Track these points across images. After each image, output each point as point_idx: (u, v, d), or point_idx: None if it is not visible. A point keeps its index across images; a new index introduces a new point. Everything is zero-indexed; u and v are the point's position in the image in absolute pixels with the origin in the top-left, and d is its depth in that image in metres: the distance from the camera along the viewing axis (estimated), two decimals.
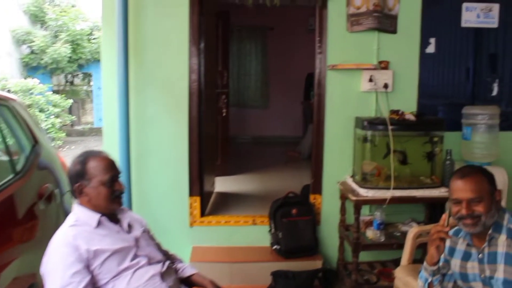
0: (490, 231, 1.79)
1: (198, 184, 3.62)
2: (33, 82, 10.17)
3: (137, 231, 2.04)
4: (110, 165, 1.94)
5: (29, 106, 9.71)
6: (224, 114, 5.21)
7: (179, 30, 3.44)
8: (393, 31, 3.46)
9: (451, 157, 3.27)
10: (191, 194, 3.62)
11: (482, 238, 1.82)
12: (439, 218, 3.48)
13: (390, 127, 3.06)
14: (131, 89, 3.41)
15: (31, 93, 10.04)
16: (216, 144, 5.22)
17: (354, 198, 3.09)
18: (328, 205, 3.64)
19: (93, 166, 1.90)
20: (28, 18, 12.18)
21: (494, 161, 3.40)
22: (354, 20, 3.40)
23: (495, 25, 3.56)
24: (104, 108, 3.52)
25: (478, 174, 1.82)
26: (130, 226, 2.04)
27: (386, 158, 3.14)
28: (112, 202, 1.93)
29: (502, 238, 1.76)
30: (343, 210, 3.50)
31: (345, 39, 3.46)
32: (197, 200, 3.63)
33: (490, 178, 1.83)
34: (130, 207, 3.40)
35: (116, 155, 3.34)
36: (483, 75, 3.66)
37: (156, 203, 3.61)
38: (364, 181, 3.23)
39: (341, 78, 3.49)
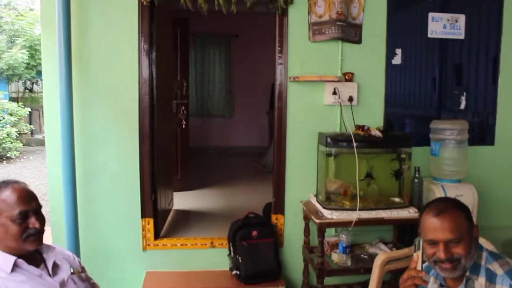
0: (467, 273, 1.58)
1: (151, 205, 3.34)
2: None
3: (64, 273, 1.76)
4: (22, 198, 1.64)
5: None
6: (183, 126, 4.94)
7: (128, 38, 3.16)
8: (358, 41, 3.28)
9: (420, 175, 3.11)
10: (144, 215, 3.34)
11: (457, 279, 1.61)
12: (408, 239, 3.33)
13: (355, 144, 2.87)
14: (76, 102, 3.11)
15: None
16: (175, 157, 4.96)
17: (317, 220, 2.87)
18: (291, 225, 3.41)
19: (1, 199, 1.61)
20: None
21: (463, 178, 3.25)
22: (316, 29, 3.20)
23: (462, 37, 3.43)
24: (47, 123, 3.21)
25: (455, 209, 1.60)
26: (56, 267, 1.76)
27: (356, 177, 2.94)
28: (24, 242, 1.63)
29: (480, 281, 1.56)
30: (306, 232, 3.28)
31: (307, 49, 3.25)
32: (150, 222, 3.35)
33: (467, 213, 1.62)
34: (75, 231, 3.10)
35: (59, 175, 3.05)
36: (450, 87, 3.52)
37: (106, 226, 3.31)
38: (328, 201, 3.02)
39: (303, 90, 3.28)
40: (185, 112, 4.92)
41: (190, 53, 7.79)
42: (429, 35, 3.39)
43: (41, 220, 1.68)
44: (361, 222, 2.89)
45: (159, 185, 3.59)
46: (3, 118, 9.88)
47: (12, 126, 10.02)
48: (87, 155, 3.22)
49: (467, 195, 3.12)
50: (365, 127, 3.02)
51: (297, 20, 3.22)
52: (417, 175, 3.10)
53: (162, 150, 3.64)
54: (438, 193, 3.10)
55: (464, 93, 3.53)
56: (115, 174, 3.27)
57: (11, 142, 9.80)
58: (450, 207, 1.60)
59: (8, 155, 9.83)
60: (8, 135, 9.69)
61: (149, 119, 3.22)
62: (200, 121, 8.20)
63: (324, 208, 2.98)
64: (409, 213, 2.95)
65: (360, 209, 2.90)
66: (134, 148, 3.25)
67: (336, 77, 3.20)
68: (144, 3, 3.07)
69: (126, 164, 3.26)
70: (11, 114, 10.14)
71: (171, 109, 4.21)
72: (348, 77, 3.28)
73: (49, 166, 3.22)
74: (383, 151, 3.04)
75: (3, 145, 9.63)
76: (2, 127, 9.74)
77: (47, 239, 3.71)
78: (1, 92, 10.29)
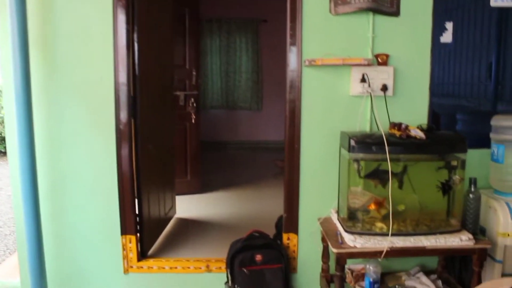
0: None
1: (132, 219, 2.72)
2: None
3: None
4: None
5: None
6: (193, 120, 4.30)
7: (101, 17, 2.54)
8: (394, 12, 2.52)
9: (476, 189, 2.32)
10: (124, 232, 2.73)
11: None
12: (458, 268, 2.59)
13: (387, 149, 2.13)
14: (39, 98, 2.56)
15: None
16: (184, 156, 4.34)
17: (335, 250, 2.16)
18: (307, 247, 2.72)
19: None
20: None
21: None
22: None
23: None
24: (7, 126, 2.64)
25: None
26: None
27: (389, 192, 2.21)
28: None
29: None
30: (325, 257, 2.58)
31: (328, 25, 2.52)
32: (132, 240, 2.74)
33: None
34: (39, 254, 2.53)
35: (18, 186, 2.48)
36: None
37: (80, 246, 2.74)
38: (352, 221, 2.30)
39: (323, 77, 2.56)
40: (195, 104, 4.28)
41: (214, 40, 7.21)
42: (493, 3, 2.58)
43: None
44: (394, 253, 2.17)
45: (149, 192, 2.98)
46: None
47: None
48: (54, 161, 2.64)
49: None
50: (403, 126, 2.26)
51: None
52: (472, 189, 2.32)
53: (151, 150, 3.01)
54: (502, 211, 2.34)
55: None
56: (88, 183, 2.67)
57: None
58: None
59: None
60: None
61: (127, 114, 2.60)
62: (225, 114, 7.57)
63: (346, 231, 2.27)
64: (461, 240, 2.19)
65: (394, 234, 2.18)
66: (111, 150, 2.63)
67: (365, 59, 2.45)
68: None
69: (101, 171, 2.66)
70: None
71: (170, 101, 3.57)
72: (381, 60, 2.53)
73: (12, 178, 2.66)
74: (426, 158, 2.28)
75: None
76: None
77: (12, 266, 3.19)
78: None
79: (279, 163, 5.80)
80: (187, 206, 4.12)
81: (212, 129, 7.50)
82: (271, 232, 2.97)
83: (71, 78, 2.59)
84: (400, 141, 2.21)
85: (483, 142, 2.60)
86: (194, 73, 4.26)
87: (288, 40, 2.54)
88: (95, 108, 2.61)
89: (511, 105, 2.68)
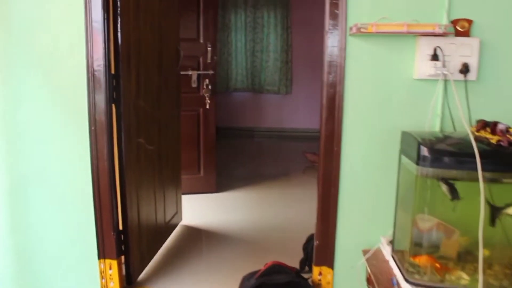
0: None
1: (114, 238, 2.06)
2: None
3: None
4: None
5: None
6: (207, 106, 3.59)
7: None
8: None
9: None
10: (102, 255, 2.07)
11: None
12: None
13: (479, 162, 1.37)
14: None
15: None
16: (196, 149, 3.67)
17: None
18: (346, 286, 2.00)
19: None
20: None
21: None
22: None
23: None
24: None
25: None
26: None
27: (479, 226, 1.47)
28: None
29: None
30: None
31: None
32: (112, 265, 2.08)
33: None
34: None
35: None
36: None
37: (47, 268, 2.11)
38: (417, 265, 1.56)
39: (376, 53, 1.80)
40: (210, 87, 3.56)
41: (239, 16, 6.48)
42: None
43: None
44: None
45: (139, 199, 2.31)
46: None
47: None
48: (11, 157, 2.00)
49: None
50: (500, 127, 1.49)
51: None
52: None
53: (142, 145, 2.33)
54: None
55: None
56: (55, 188, 2.04)
57: None
58: None
59: None
60: None
61: (105, 98, 1.91)
62: (250, 97, 6.85)
63: (406, 280, 1.53)
64: None
65: None
66: (83, 145, 1.96)
67: (437, 26, 1.67)
68: None
69: (72, 172, 2.00)
70: None
71: (174, 82, 2.85)
72: (461, 28, 1.76)
73: None
74: None
75: None
76: None
77: None
78: None
79: (309, 156, 5.06)
80: (198, 210, 3.44)
81: (236, 113, 6.82)
82: (298, 254, 2.28)
83: (31, 48, 1.92)
84: (496, 151, 1.44)
85: None
86: (209, 48, 3.54)
87: (327, 1, 1.79)
88: (63, 89, 1.94)
89: None
